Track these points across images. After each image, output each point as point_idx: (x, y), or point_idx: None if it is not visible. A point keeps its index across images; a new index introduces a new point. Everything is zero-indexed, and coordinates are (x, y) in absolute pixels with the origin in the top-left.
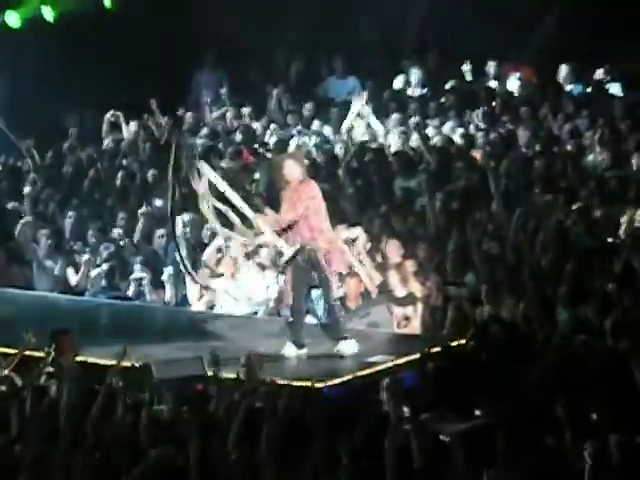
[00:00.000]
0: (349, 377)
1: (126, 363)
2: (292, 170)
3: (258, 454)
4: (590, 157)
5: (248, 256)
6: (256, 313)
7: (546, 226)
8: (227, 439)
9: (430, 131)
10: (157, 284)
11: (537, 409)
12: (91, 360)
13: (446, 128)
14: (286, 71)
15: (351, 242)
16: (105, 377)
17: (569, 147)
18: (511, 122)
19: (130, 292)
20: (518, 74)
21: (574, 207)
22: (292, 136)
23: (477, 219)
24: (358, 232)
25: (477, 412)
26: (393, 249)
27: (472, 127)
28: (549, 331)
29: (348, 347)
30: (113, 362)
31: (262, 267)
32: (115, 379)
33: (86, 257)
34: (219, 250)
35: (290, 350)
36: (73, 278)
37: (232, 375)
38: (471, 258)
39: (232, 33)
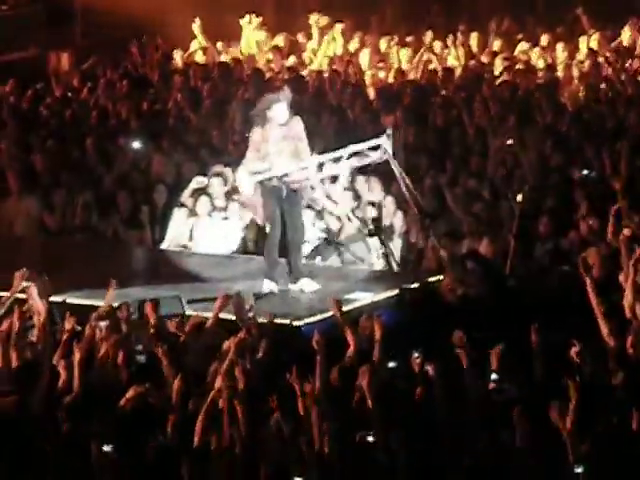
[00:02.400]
0: (327, 315)
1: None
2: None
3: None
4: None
5: (228, 195)
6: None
7: (525, 159)
8: (204, 379)
9: None
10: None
11: (515, 342)
12: (74, 301)
13: None
14: None
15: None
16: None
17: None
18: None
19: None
20: None
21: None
22: None
23: (455, 155)
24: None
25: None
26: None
27: None
28: (528, 265)
29: (306, 286)
30: (97, 303)
31: (243, 205)
32: (99, 320)
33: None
34: (197, 190)
35: (267, 286)
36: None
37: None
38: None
39: None
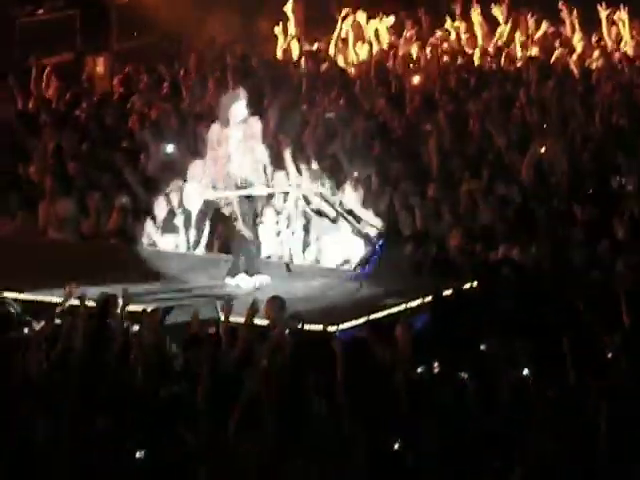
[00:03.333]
0: (361, 320)
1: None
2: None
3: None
4: None
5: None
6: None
7: (560, 166)
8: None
9: None
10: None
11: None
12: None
13: None
14: None
15: None
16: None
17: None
18: None
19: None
20: None
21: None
22: None
23: (489, 160)
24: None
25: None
26: None
27: None
28: (563, 271)
29: (243, 282)
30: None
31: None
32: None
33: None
34: None
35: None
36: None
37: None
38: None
39: None
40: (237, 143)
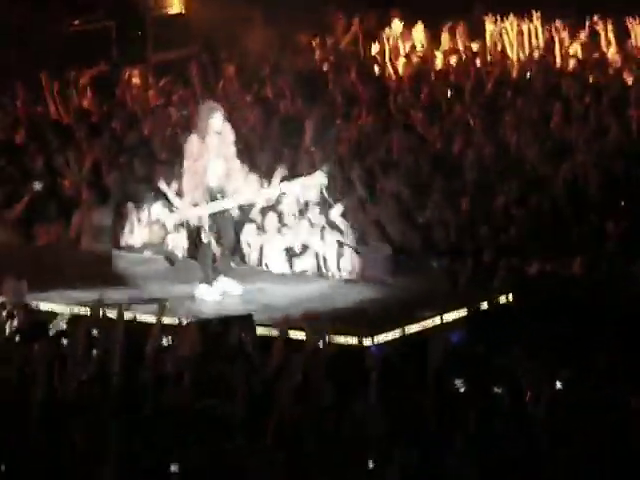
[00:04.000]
0: (396, 335)
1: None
2: None
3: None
4: None
5: (298, 212)
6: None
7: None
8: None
9: None
10: None
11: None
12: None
13: None
14: None
15: None
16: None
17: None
18: None
19: None
20: None
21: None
22: None
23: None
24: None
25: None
26: None
27: None
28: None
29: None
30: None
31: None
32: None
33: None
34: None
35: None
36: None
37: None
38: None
39: None
40: (212, 154)
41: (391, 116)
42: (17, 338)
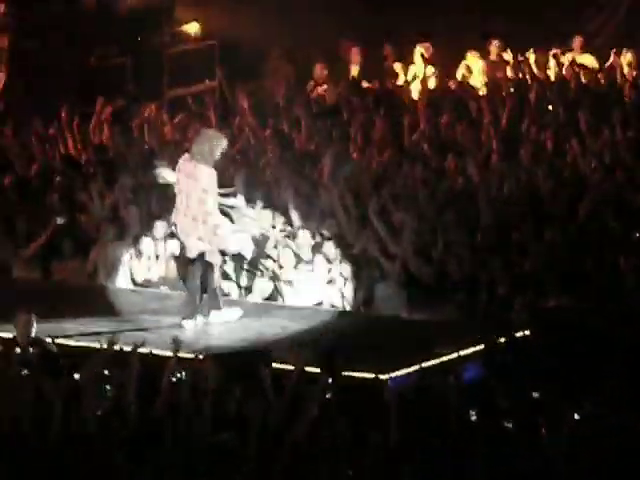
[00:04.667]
0: (414, 368)
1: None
2: None
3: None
4: None
5: (314, 248)
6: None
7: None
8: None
9: None
10: None
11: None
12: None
13: None
14: None
15: None
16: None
17: None
18: None
19: None
20: None
21: None
22: None
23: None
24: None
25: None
26: None
27: None
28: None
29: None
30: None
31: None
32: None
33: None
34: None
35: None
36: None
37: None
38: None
39: None
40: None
41: (405, 150)
42: (28, 372)
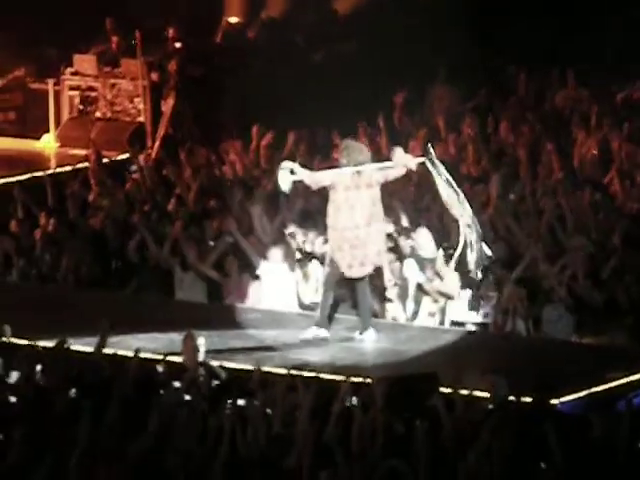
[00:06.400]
0: (583, 393)
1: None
2: None
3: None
4: None
5: None
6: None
7: None
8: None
9: None
10: None
11: None
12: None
13: None
14: None
15: None
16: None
17: None
18: None
19: None
20: None
21: None
22: None
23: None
24: None
25: None
26: None
27: None
28: None
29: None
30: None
31: None
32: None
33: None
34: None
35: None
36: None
37: None
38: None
39: None
40: None
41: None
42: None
